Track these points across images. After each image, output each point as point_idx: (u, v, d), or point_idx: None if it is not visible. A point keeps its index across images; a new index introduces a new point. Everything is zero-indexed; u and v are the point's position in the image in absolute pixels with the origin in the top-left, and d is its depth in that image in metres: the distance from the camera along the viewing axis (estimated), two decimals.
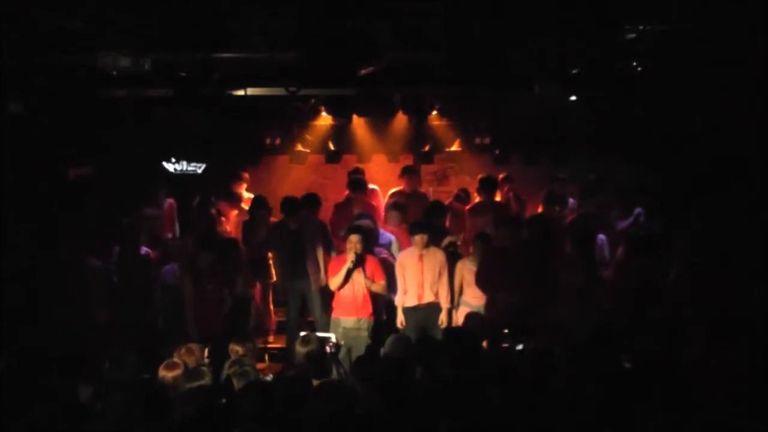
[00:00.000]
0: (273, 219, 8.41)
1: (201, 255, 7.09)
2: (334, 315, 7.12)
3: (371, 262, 7.09)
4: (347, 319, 6.99)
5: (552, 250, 7.33)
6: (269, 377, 6.00)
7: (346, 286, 7.01)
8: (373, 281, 6.99)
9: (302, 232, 7.73)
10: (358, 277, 7.00)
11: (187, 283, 7.06)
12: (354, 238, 6.93)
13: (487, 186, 8.59)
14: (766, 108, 6.86)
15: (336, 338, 6.22)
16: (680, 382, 4.68)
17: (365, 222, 7.66)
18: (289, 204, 7.85)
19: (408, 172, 9.01)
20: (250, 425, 4.36)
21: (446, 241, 7.71)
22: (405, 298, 7.23)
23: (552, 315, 7.13)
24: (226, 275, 7.23)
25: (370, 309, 7.06)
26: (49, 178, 7.36)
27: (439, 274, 7.17)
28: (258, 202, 8.39)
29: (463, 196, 9.14)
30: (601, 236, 8.04)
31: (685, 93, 7.31)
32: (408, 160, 10.31)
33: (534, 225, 7.57)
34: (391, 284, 7.27)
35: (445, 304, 7.18)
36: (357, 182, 8.70)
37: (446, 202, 8.85)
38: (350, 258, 6.89)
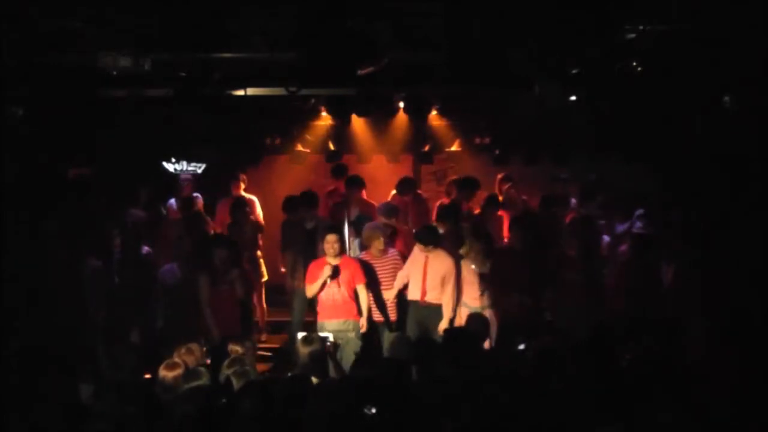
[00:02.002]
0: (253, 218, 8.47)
1: (216, 252, 6.99)
2: (318, 318, 7.03)
3: (352, 265, 7.00)
4: (332, 321, 6.91)
5: (546, 251, 7.33)
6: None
7: (325, 290, 6.92)
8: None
9: (317, 231, 7.70)
10: (335, 281, 6.90)
11: (203, 283, 6.96)
12: (331, 238, 6.86)
13: (467, 186, 8.60)
14: (766, 108, 6.86)
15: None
16: (681, 382, 4.68)
17: (374, 223, 7.60)
18: (309, 200, 7.83)
19: (403, 191, 8.95)
20: (250, 425, 4.35)
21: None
22: (408, 290, 7.21)
23: (553, 315, 7.17)
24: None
25: (354, 310, 6.95)
26: (49, 178, 7.36)
27: (444, 281, 7.05)
28: (238, 204, 8.42)
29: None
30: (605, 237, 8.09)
31: (685, 93, 7.31)
32: (408, 160, 10.32)
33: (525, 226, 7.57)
34: (373, 283, 7.22)
35: (447, 312, 7.05)
36: (354, 181, 8.66)
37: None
38: (326, 272, 6.81)
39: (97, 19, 6.14)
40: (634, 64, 6.67)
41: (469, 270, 7.15)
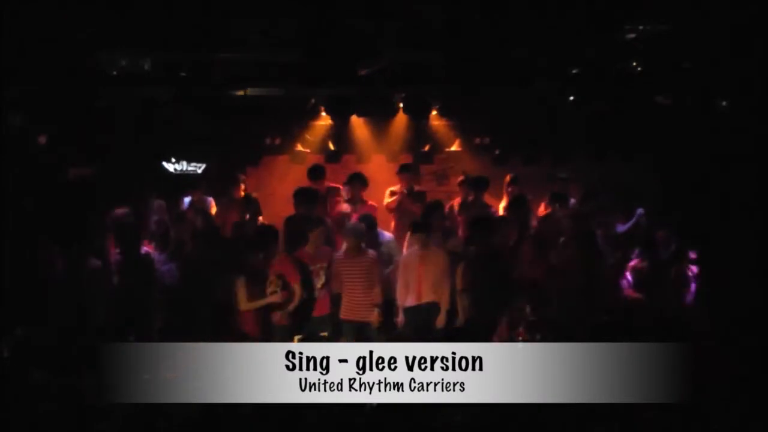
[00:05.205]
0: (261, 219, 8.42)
1: (251, 253, 6.75)
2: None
3: (284, 264, 6.82)
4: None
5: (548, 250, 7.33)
6: None
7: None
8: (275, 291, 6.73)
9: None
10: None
11: (240, 285, 6.62)
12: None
13: (479, 184, 8.58)
14: (767, 108, 6.88)
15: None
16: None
17: (358, 224, 7.55)
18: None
19: (405, 171, 8.94)
20: (250, 423, 4.36)
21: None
22: (406, 297, 7.19)
23: (553, 313, 7.17)
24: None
25: (325, 308, 6.97)
26: (49, 178, 7.36)
27: (441, 277, 7.07)
28: (249, 203, 8.40)
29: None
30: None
31: (686, 93, 7.32)
32: (408, 161, 10.30)
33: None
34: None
35: (444, 305, 7.07)
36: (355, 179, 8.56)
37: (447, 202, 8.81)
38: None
39: (97, 19, 6.15)
40: (634, 64, 6.68)
41: None
